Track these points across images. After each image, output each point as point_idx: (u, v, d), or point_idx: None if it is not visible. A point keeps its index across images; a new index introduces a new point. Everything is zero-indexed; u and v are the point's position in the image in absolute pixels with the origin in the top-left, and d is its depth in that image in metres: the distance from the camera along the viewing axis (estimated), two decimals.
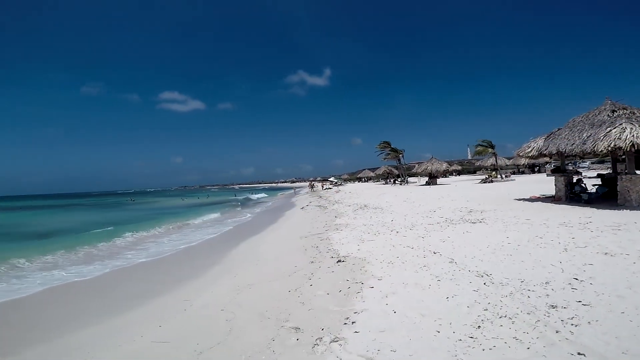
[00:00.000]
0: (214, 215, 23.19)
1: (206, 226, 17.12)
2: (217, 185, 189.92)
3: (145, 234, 14.39)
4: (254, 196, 50.87)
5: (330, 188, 49.76)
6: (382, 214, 13.40)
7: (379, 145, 47.73)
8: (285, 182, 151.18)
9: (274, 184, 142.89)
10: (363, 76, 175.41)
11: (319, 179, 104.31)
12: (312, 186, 61.66)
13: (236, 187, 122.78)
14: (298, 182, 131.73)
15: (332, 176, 79.89)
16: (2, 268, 8.89)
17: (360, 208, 16.44)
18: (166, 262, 9.48)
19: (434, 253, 6.66)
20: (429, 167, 35.25)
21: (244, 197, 51.77)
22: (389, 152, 46.54)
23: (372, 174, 66.78)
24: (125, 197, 75.52)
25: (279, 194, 55.20)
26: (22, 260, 9.64)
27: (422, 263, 6.06)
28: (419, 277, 5.31)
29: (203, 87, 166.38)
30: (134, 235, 13.78)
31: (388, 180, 51.94)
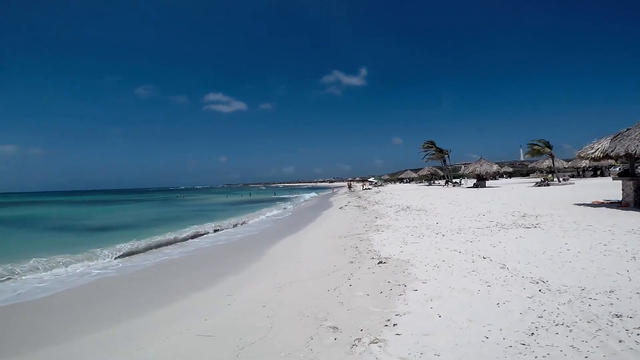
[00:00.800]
0: (255, 213, 23.99)
1: (247, 223, 17.74)
2: (259, 183, 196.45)
3: (190, 229, 15.22)
4: (293, 195, 51.74)
5: (369, 188, 49.22)
6: (426, 216, 13.00)
7: (423, 145, 46.36)
8: (324, 181, 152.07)
9: (312, 184, 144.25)
10: (401, 75, 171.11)
11: (357, 179, 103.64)
12: (350, 186, 61.41)
13: (279, 185, 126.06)
14: (336, 182, 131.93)
15: (372, 176, 78.95)
16: (83, 254, 9.89)
17: (403, 209, 16.08)
18: (210, 257, 9.89)
19: (484, 258, 6.33)
20: (478, 169, 33.51)
21: (283, 195, 52.85)
22: (434, 152, 45.02)
23: (414, 175, 65.03)
24: (176, 194, 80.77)
25: (318, 193, 55.62)
26: (98, 250, 10.56)
27: (471, 268, 5.77)
28: (467, 282, 5.07)
29: (245, 88, 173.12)
30: (182, 231, 14.59)
31: (432, 182, 50.24)
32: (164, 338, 4.39)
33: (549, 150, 34.94)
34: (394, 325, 3.87)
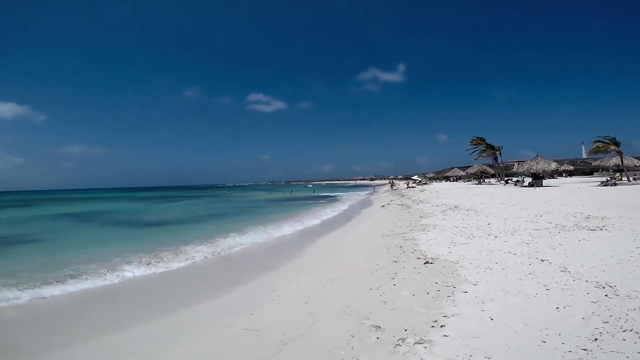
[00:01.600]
0: (297, 210, 24.52)
1: (289, 220, 18.19)
2: (300, 181, 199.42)
3: (237, 225, 15.89)
4: (333, 193, 51.94)
5: (413, 187, 47.97)
6: (476, 216, 12.44)
7: (472, 141, 44.16)
8: (364, 179, 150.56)
9: (352, 182, 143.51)
10: (444, 71, 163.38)
11: (400, 177, 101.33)
12: (392, 184, 60.22)
13: (321, 183, 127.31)
14: (377, 179, 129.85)
15: (416, 174, 76.74)
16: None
17: (450, 209, 15.51)
18: (253, 252, 10.16)
19: (542, 261, 5.93)
20: (534, 167, 31.18)
21: (323, 193, 53.27)
22: (484, 148, 42.70)
23: (462, 173, 62.11)
24: (224, 191, 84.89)
25: (358, 191, 55.29)
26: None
27: (527, 270, 5.43)
28: (522, 285, 4.79)
29: (284, 88, 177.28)
30: (230, 227, 15.20)
31: (482, 180, 47.71)
32: (212, 331, 4.58)
33: (615, 147, 31.49)
34: (442, 326, 3.76)
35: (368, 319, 4.26)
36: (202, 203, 37.81)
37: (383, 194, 39.96)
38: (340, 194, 48.64)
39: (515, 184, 34.40)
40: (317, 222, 16.47)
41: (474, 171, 52.57)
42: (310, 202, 32.71)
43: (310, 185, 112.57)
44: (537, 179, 30.70)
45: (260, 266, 8.23)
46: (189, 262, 9.11)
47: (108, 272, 7.92)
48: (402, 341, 3.52)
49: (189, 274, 8.22)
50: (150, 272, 8.19)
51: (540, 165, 30.92)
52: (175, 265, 8.80)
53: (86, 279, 7.44)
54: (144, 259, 9.10)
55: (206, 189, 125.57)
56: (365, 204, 26.84)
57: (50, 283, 7.13)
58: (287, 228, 14.29)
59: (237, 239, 12.00)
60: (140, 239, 13.44)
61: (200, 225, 17.53)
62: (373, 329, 3.95)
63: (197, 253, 9.86)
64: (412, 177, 68.50)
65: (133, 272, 8.02)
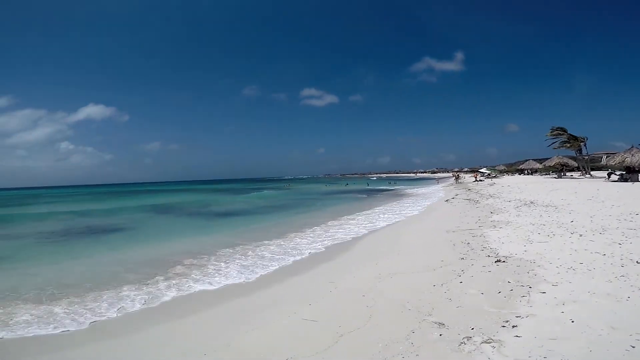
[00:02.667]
0: (352, 203, 24.62)
1: (345, 213, 18.36)
2: (355, 174, 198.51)
3: (297, 216, 16.46)
4: (392, 186, 50.85)
5: (481, 180, 44.97)
6: (556, 213, 11.37)
7: (551, 132, 39.96)
8: (425, 172, 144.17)
9: (412, 174, 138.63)
10: (509, 57, 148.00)
11: (465, 169, 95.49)
12: (457, 177, 57.08)
13: (373, 177, 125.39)
14: (440, 172, 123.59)
15: (484, 167, 71.71)
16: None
17: (525, 205, 14.34)
18: (311, 241, 9.92)
19: (638, 262, 5.34)
20: (628, 159, 27.25)
21: (381, 186, 52.39)
22: (566, 140, 38.41)
23: (538, 166, 56.54)
24: (284, 183, 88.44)
25: (419, 184, 53.34)
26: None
27: (619, 272, 4.87)
28: (613, 288, 4.30)
29: (335, 82, 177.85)
30: (291, 218, 15.76)
31: (562, 174, 43.02)
32: (277, 319, 4.78)
33: None
34: (514, 326, 3.54)
35: (430, 315, 4.16)
36: (255, 196, 39.67)
37: (447, 187, 38.18)
38: (399, 187, 47.46)
39: (609, 178, 30.29)
40: (372, 216, 16.41)
41: (552, 164, 47.47)
42: (364, 195, 32.49)
43: (375, 178, 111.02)
44: (632, 172, 26.83)
45: (318, 258, 8.40)
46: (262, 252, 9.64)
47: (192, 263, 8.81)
48: (468, 339, 3.40)
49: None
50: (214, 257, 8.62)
51: (636, 158, 26.93)
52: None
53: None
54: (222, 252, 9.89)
55: (266, 181, 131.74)
56: (427, 197, 25.92)
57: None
58: (342, 221, 14.45)
59: (298, 230, 12.54)
60: (210, 230, 14.50)
61: (266, 217, 18.55)
62: (436, 325, 3.85)
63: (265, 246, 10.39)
64: (480, 170, 64.08)
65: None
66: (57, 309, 5.64)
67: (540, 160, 58.05)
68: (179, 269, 7.99)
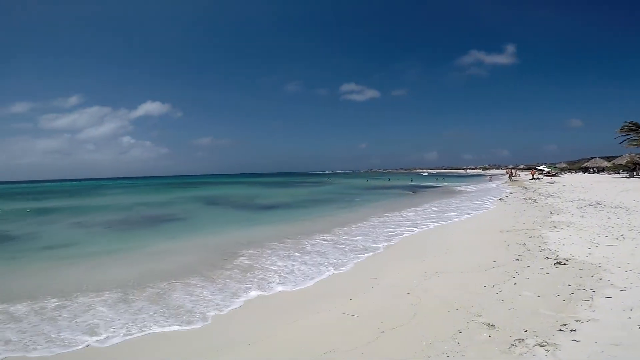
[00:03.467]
0: (395, 199, 24.16)
1: (388, 209, 18.06)
2: (400, 169, 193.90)
3: (339, 211, 16.45)
4: (439, 183, 48.92)
5: (540, 178, 41.85)
6: (627, 215, 10.33)
7: (623, 127, 35.99)
8: (476, 168, 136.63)
9: (461, 171, 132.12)
10: (567, 49, 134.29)
11: (521, 166, 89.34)
12: (511, 175, 53.64)
13: (424, 172, 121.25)
14: (492, 169, 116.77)
15: (542, 164, 66.57)
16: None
17: (590, 205, 13.17)
18: (353, 239, 9.89)
19: None
20: None
21: (427, 182, 50.62)
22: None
23: (606, 164, 51.34)
24: (326, 178, 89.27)
25: (469, 181, 50.73)
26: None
27: None
28: None
29: (376, 76, 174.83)
30: (332, 213, 15.76)
31: (635, 173, 38.65)
32: (316, 312, 4.86)
33: None
34: (572, 330, 3.33)
35: (480, 316, 4.01)
36: (299, 190, 40.20)
37: (500, 185, 36.06)
38: (447, 184, 45.56)
39: None
40: (418, 213, 16.02)
41: (624, 162, 42.83)
42: (408, 192, 31.61)
43: (426, 173, 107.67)
44: None
45: (360, 254, 8.34)
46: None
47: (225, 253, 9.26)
48: (520, 342, 3.24)
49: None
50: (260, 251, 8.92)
51: None
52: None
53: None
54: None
55: (310, 175, 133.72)
56: (479, 195, 24.70)
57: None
58: (384, 218, 14.25)
59: (340, 225, 12.65)
60: (256, 221, 14.97)
61: (308, 211, 18.83)
62: (485, 326, 3.70)
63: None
64: (538, 167, 59.61)
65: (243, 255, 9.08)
66: (141, 303, 5.58)
67: (608, 158, 52.80)
68: (229, 259, 8.34)
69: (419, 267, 6.56)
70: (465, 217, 13.82)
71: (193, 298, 5.77)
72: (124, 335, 4.51)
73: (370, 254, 8.32)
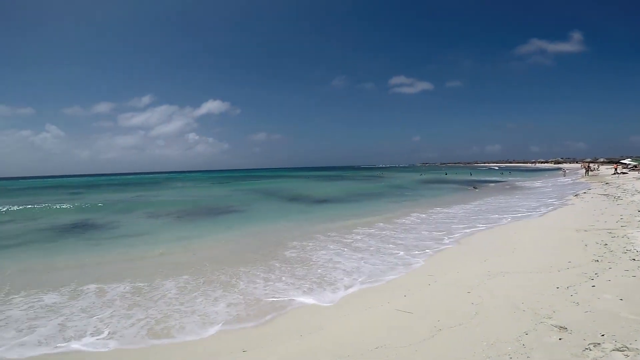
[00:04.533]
0: (452, 194, 22.98)
1: (443, 204, 17.29)
2: (458, 163, 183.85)
3: (391, 205, 16.04)
4: (503, 177, 45.34)
5: (624, 173, 36.96)
6: None
7: None
8: (546, 162, 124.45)
9: (529, 164, 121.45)
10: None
11: (601, 160, 79.58)
12: (587, 169, 48.04)
13: (494, 166, 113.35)
14: (565, 162, 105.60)
15: (628, 157, 58.59)
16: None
17: None
18: (407, 233, 9.69)
19: None
20: None
21: (489, 177, 47.22)
22: None
23: None
24: (377, 171, 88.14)
25: (538, 176, 46.36)
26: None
27: None
28: None
29: (428, 68, 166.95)
30: (385, 207, 15.39)
31: None
32: (366, 307, 4.86)
33: None
34: None
35: (550, 318, 3.74)
36: (349, 184, 39.85)
37: (576, 180, 32.51)
38: (513, 178, 42.21)
39: None
40: (479, 209, 15.05)
41: None
42: (466, 187, 29.74)
43: (496, 167, 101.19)
44: None
45: (414, 250, 8.17)
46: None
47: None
48: (595, 346, 2.99)
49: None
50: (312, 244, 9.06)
51: None
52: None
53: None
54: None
55: (361, 169, 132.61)
56: (550, 191, 22.53)
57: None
58: (438, 215, 13.58)
59: (391, 220, 12.39)
60: (311, 214, 15.20)
61: (359, 205, 18.71)
62: (555, 329, 3.46)
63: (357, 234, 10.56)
64: (622, 161, 52.60)
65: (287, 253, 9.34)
66: (216, 293, 5.93)
67: None
68: (281, 250, 8.61)
69: (481, 266, 6.25)
70: (535, 214, 12.76)
71: (255, 286, 6.11)
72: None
73: (426, 250, 8.08)
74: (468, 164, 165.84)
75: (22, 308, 5.41)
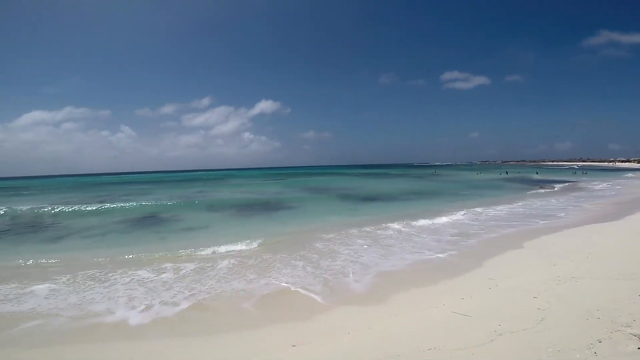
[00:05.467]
0: (514, 195, 21.43)
1: (501, 203, 16.24)
2: (523, 161, 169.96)
3: (447, 205, 15.34)
4: (574, 177, 41.03)
5: None
6: None
7: None
8: (628, 161, 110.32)
9: (607, 163, 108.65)
10: None
11: None
12: None
13: (574, 165, 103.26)
14: None
15: None
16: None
17: None
18: (465, 238, 9.43)
19: None
20: None
21: (562, 176, 42.93)
22: None
23: None
24: (430, 169, 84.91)
25: (617, 176, 41.17)
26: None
27: None
28: None
29: (483, 62, 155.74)
30: (440, 207, 14.80)
31: None
32: (421, 308, 4.79)
33: None
34: None
35: (629, 326, 3.43)
36: (400, 181, 38.74)
37: None
38: (587, 178, 38.00)
39: None
40: (546, 210, 13.86)
41: None
42: (533, 187, 27.31)
43: (577, 166, 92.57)
44: None
45: (473, 251, 7.87)
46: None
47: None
48: None
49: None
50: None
51: None
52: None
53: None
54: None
55: (414, 167, 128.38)
56: (632, 193, 20.13)
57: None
58: (498, 218, 12.68)
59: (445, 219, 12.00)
60: (356, 212, 15.48)
61: (411, 203, 18.39)
62: (635, 338, 3.18)
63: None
64: None
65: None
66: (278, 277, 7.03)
67: None
68: (322, 244, 8.79)
69: (549, 271, 5.87)
70: (612, 217, 11.53)
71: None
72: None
73: (485, 252, 7.74)
74: (534, 162, 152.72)
75: (124, 282, 6.72)
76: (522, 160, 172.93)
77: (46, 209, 18.79)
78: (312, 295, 5.75)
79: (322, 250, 8.56)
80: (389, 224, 11.58)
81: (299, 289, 6.00)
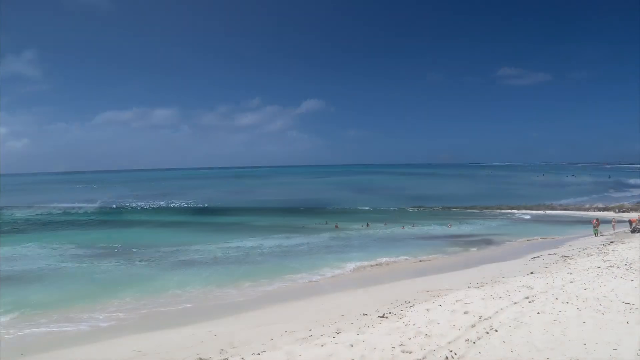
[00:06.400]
0: (587, 200, 19.69)
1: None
2: (593, 162, 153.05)
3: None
4: None
5: None
6: None
7: None
8: None
9: None
10: None
11: None
12: None
13: None
14: None
15: None
16: None
17: None
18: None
19: None
20: None
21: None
22: None
23: None
24: (484, 170, 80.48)
25: None
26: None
27: None
28: None
29: (544, 58, 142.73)
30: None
31: None
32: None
33: None
34: None
35: None
36: (454, 182, 37.35)
37: None
38: None
39: None
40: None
41: None
42: (607, 190, 24.55)
43: (606, 167, 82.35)
44: None
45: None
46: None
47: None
48: None
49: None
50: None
51: None
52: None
53: None
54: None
55: (465, 167, 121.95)
56: None
57: None
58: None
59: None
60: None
61: (466, 203, 17.79)
62: None
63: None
64: None
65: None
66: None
67: None
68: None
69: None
70: None
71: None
72: None
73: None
74: (607, 164, 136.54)
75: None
76: (594, 162, 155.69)
77: None
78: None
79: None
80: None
81: None
